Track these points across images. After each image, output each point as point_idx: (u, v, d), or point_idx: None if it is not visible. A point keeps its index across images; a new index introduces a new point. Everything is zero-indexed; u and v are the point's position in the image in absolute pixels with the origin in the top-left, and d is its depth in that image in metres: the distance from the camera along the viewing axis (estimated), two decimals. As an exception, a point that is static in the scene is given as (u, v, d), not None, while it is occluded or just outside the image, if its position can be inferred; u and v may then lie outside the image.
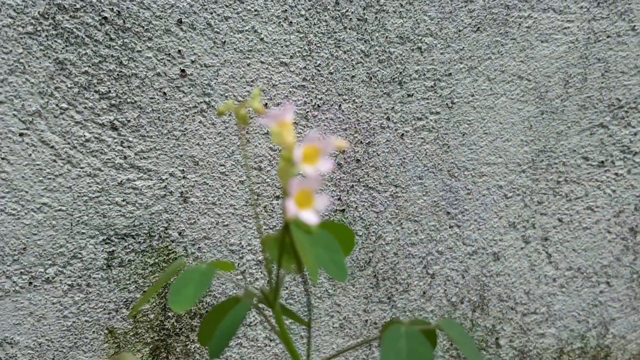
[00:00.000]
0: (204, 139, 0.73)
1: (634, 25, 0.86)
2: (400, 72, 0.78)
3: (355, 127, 0.78)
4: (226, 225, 0.75)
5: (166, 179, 0.72)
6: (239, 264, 0.77)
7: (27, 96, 0.66)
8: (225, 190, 0.75)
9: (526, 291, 0.90)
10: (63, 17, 0.66)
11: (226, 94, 0.72)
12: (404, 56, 0.78)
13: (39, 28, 0.65)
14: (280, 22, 0.73)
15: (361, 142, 0.78)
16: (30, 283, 0.70)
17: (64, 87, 0.67)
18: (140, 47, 0.68)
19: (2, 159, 0.67)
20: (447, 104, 0.81)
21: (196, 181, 0.73)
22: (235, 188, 0.75)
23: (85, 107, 0.68)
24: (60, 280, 0.71)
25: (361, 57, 0.76)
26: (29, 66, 0.66)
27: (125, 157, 0.70)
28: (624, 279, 0.94)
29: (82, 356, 0.73)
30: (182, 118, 0.71)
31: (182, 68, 0.70)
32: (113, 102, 0.69)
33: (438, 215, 0.84)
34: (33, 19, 0.65)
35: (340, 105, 0.77)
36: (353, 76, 0.77)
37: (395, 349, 0.36)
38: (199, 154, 0.73)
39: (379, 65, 0.77)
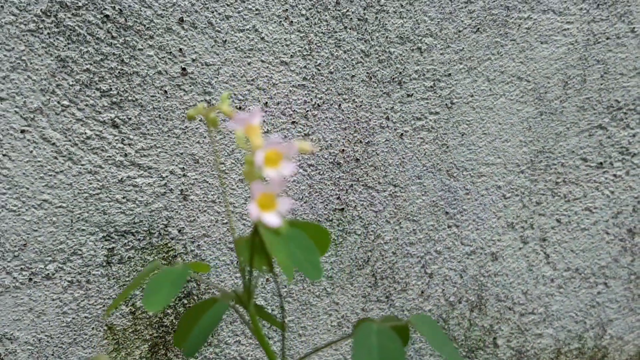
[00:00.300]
0: (204, 138, 0.73)
1: (634, 27, 0.87)
2: (400, 72, 0.79)
3: (354, 127, 0.78)
4: (225, 223, 0.76)
5: (166, 176, 0.73)
6: (237, 261, 0.77)
7: (28, 93, 0.67)
8: (224, 188, 0.75)
9: (524, 291, 0.90)
10: (65, 14, 0.66)
11: (229, 95, 0.73)
12: (403, 56, 0.78)
13: (41, 25, 0.66)
14: (281, 21, 0.73)
15: (360, 142, 0.79)
16: (30, 279, 0.71)
17: (66, 84, 0.67)
18: (142, 45, 0.69)
19: (4, 155, 0.67)
20: (446, 104, 0.81)
21: (196, 179, 0.74)
22: (235, 186, 0.75)
23: (86, 105, 0.68)
24: (60, 276, 0.71)
25: (361, 57, 0.77)
26: (30, 63, 0.66)
27: (125, 155, 0.71)
28: (622, 280, 0.95)
29: (82, 352, 0.74)
30: (183, 116, 0.72)
31: (183, 66, 0.71)
32: (114, 99, 0.69)
33: (437, 215, 0.84)
34: (35, 16, 0.65)
35: (340, 105, 0.77)
36: (353, 76, 0.77)
37: (367, 346, 0.37)
38: (199, 152, 0.73)
39: (378, 65, 0.78)
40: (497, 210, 0.87)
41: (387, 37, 0.77)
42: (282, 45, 0.74)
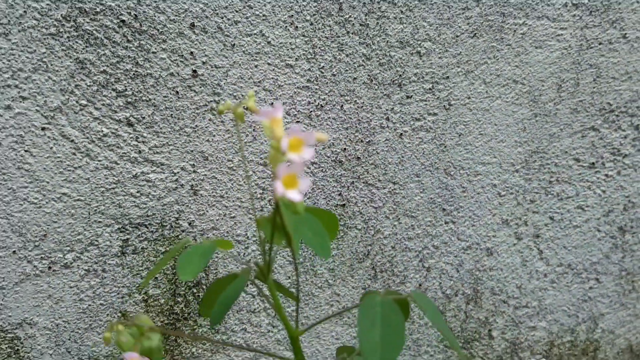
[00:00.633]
0: (214, 136, 0.77)
1: (625, 33, 0.90)
2: (400, 75, 0.83)
3: (356, 127, 0.82)
4: (233, 217, 0.80)
5: (177, 172, 0.77)
6: (244, 253, 0.81)
7: (49, 93, 0.71)
8: (232, 184, 0.79)
9: (518, 285, 0.94)
10: (84, 19, 0.70)
11: (235, 94, 0.77)
12: (403, 60, 0.82)
13: (62, 29, 0.70)
14: (286, 26, 0.77)
15: (361, 141, 0.83)
16: (50, 268, 0.75)
17: (84, 85, 0.72)
18: (155, 48, 0.73)
19: (26, 151, 0.71)
20: (444, 105, 0.85)
21: (205, 175, 0.78)
22: (242, 182, 0.80)
23: (103, 104, 0.73)
24: (78, 265, 0.76)
25: (363, 60, 0.81)
26: (51, 65, 0.71)
27: (139, 152, 0.75)
28: (613, 276, 0.99)
29: (96, 337, 0.78)
30: (193, 116, 0.76)
31: (193, 69, 0.75)
32: (129, 99, 0.74)
33: (434, 212, 0.88)
34: (56, 21, 0.70)
35: (342, 106, 0.81)
36: (355, 78, 0.81)
37: (371, 315, 0.41)
38: (208, 149, 0.77)
39: (379, 68, 0.82)
40: (493, 207, 0.91)
41: (387, 42, 0.81)
42: (288, 49, 0.78)
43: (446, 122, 0.86)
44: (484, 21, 0.84)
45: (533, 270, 0.94)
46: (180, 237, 0.79)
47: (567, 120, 0.91)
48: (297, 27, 0.78)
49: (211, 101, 0.76)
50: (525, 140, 0.89)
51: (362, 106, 0.82)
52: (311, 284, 0.85)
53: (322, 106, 0.81)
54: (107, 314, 0.78)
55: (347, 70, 0.81)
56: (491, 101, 0.87)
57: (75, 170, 0.74)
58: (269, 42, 0.77)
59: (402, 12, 0.81)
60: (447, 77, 0.84)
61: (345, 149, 0.83)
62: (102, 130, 0.73)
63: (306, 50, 0.79)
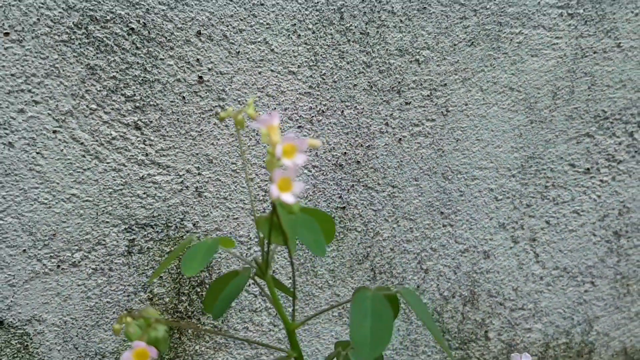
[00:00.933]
0: (218, 139, 0.80)
1: (619, 42, 0.93)
2: (399, 82, 0.85)
3: (356, 132, 0.85)
4: (236, 218, 0.83)
5: (183, 174, 0.80)
6: (247, 254, 0.84)
7: (60, 97, 0.74)
8: (236, 187, 0.82)
9: (514, 288, 0.97)
10: (95, 27, 0.73)
11: (239, 99, 0.80)
12: (402, 67, 0.85)
13: (73, 37, 0.73)
14: (289, 34, 0.80)
15: (361, 146, 0.85)
16: (58, 266, 0.78)
17: (94, 90, 0.75)
18: (163, 55, 0.76)
19: (37, 153, 0.74)
20: (442, 112, 0.88)
21: (210, 177, 0.81)
22: (245, 185, 0.82)
23: (112, 109, 0.76)
24: (86, 264, 0.79)
25: (363, 68, 0.83)
26: (63, 70, 0.73)
27: (146, 154, 0.78)
28: (608, 280, 1.01)
29: (103, 334, 0.81)
30: (199, 120, 0.79)
31: (199, 75, 0.78)
32: (137, 104, 0.76)
33: (432, 215, 0.91)
34: (68, 28, 0.73)
35: (342, 111, 0.84)
36: (355, 85, 0.84)
37: (362, 309, 0.44)
38: (213, 152, 0.80)
39: (379, 75, 0.84)
40: (490, 211, 0.93)
41: (387, 50, 0.84)
42: (290, 57, 0.81)
43: (444, 127, 0.88)
44: (481, 30, 0.87)
45: (529, 273, 0.97)
46: (184, 237, 0.81)
47: (563, 127, 0.93)
48: (299, 35, 0.80)
49: (216, 106, 0.79)
50: (521, 146, 0.92)
51: (362, 112, 0.85)
52: (312, 285, 0.87)
53: (323, 112, 0.83)
54: (114, 312, 0.80)
55: (347, 77, 0.83)
56: (488, 108, 0.89)
57: (85, 172, 0.76)
58: (272, 50, 0.80)
59: (401, 21, 0.83)
60: (445, 84, 0.87)
61: (345, 153, 0.85)
62: (111, 134, 0.76)
63: (308, 58, 0.81)
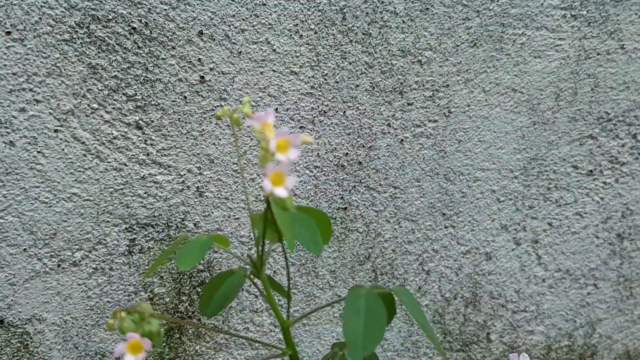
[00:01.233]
0: (219, 139, 0.80)
1: (623, 44, 0.92)
2: (401, 83, 0.85)
3: (358, 132, 0.85)
4: (237, 218, 0.83)
5: (184, 174, 0.80)
6: (248, 254, 0.84)
7: (62, 96, 0.74)
8: (237, 187, 0.82)
9: (516, 290, 0.96)
10: (96, 26, 0.73)
11: (241, 99, 0.80)
12: (405, 68, 0.85)
13: (75, 36, 0.73)
14: (291, 34, 0.80)
15: (363, 146, 0.85)
16: (59, 265, 0.78)
17: (96, 89, 0.75)
18: (165, 55, 0.76)
19: (38, 152, 0.74)
20: (444, 113, 0.87)
21: (211, 177, 0.81)
22: (246, 185, 0.82)
23: (113, 108, 0.76)
24: (86, 263, 0.78)
25: (365, 68, 0.83)
26: (64, 70, 0.73)
27: (148, 154, 0.78)
28: (611, 282, 1.00)
29: (103, 334, 0.81)
30: (200, 120, 0.79)
31: (201, 75, 0.78)
32: (139, 104, 0.76)
33: (434, 216, 0.90)
34: (70, 27, 0.73)
35: (344, 112, 0.84)
36: (357, 85, 0.83)
37: (356, 307, 0.44)
38: (214, 152, 0.80)
39: (381, 75, 0.84)
40: (492, 212, 0.93)
41: (389, 50, 0.84)
42: (292, 57, 0.80)
43: (446, 129, 0.88)
44: (484, 31, 0.86)
45: (531, 275, 0.96)
46: (185, 237, 0.81)
47: (565, 129, 0.93)
48: (301, 35, 0.80)
49: (218, 106, 0.79)
50: (524, 147, 0.92)
51: (364, 112, 0.84)
52: (313, 286, 0.87)
53: (325, 112, 0.83)
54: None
55: (349, 77, 0.83)
56: (490, 109, 0.89)
57: (86, 171, 0.76)
58: (274, 50, 0.80)
59: (403, 21, 0.83)
60: (448, 85, 0.87)
61: (347, 153, 0.85)
62: (112, 133, 0.76)
63: (310, 58, 0.81)
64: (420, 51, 0.85)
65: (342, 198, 0.86)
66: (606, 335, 1.02)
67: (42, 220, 0.76)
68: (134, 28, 0.74)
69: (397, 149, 0.87)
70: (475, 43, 0.87)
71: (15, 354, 0.78)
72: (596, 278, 0.99)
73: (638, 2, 0.92)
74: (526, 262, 0.96)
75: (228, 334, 0.49)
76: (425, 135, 0.87)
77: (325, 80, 0.82)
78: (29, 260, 0.76)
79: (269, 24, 0.79)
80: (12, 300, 0.77)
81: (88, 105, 0.75)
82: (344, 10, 0.81)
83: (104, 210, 0.78)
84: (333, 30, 0.81)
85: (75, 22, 0.73)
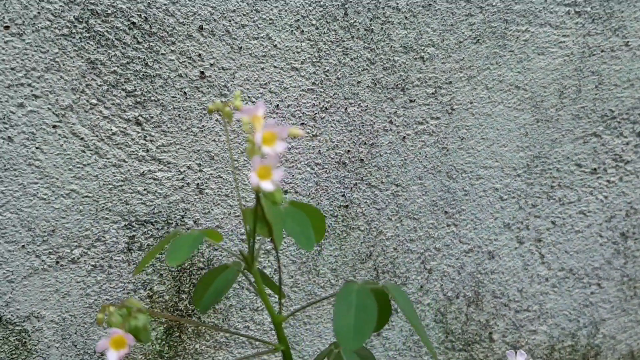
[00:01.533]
0: (220, 136, 0.79)
1: (627, 41, 0.91)
2: (404, 79, 0.84)
3: (359, 129, 0.84)
4: (238, 216, 0.82)
5: (184, 171, 0.79)
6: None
7: (60, 92, 0.73)
8: (237, 184, 0.81)
9: (519, 289, 0.95)
10: (95, 21, 0.73)
11: (241, 95, 0.79)
12: (407, 64, 0.84)
13: (74, 30, 0.72)
14: (292, 30, 0.79)
15: (365, 143, 0.84)
16: (57, 262, 0.77)
17: (95, 84, 0.74)
18: (165, 50, 0.75)
19: (37, 148, 0.74)
20: (447, 110, 0.87)
21: (211, 174, 0.80)
22: (247, 182, 0.81)
23: (113, 104, 0.75)
24: (85, 261, 0.78)
25: (367, 65, 0.82)
26: (63, 65, 0.73)
27: (147, 150, 0.77)
28: (615, 282, 0.99)
29: (102, 332, 0.80)
30: (200, 116, 0.78)
31: (201, 70, 0.77)
32: (138, 99, 0.76)
33: (436, 214, 0.90)
34: (68, 22, 0.72)
35: (346, 109, 0.83)
36: (359, 82, 0.83)
37: (347, 301, 0.43)
38: (214, 149, 0.79)
39: (383, 72, 0.83)
40: (494, 211, 0.92)
41: (391, 47, 0.83)
42: (293, 53, 0.80)
43: (449, 126, 0.87)
44: (487, 27, 0.86)
45: (534, 274, 0.95)
46: (185, 234, 0.80)
47: (569, 126, 0.92)
48: (303, 31, 0.79)
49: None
50: (527, 145, 0.91)
51: (365, 109, 0.84)
52: (314, 284, 0.86)
53: (326, 109, 0.82)
54: (113, 309, 0.80)
55: (351, 74, 0.82)
56: (493, 106, 0.88)
57: (84, 168, 0.76)
58: (275, 46, 0.79)
59: (406, 17, 0.82)
60: (450, 82, 0.86)
61: (349, 151, 0.84)
62: (111, 129, 0.75)
63: (311, 54, 0.80)
64: (422, 47, 0.84)
65: (343, 196, 0.85)
66: (610, 336, 1.01)
67: (41, 217, 0.75)
68: (133, 23, 0.74)
69: (399, 146, 0.86)
70: (478, 39, 0.86)
71: (14, 352, 0.78)
72: (600, 277, 0.99)
73: (643, -2, 0.91)
74: (529, 261, 0.95)
75: (227, 331, 0.48)
76: (428, 132, 0.87)
77: (327, 76, 0.81)
78: (27, 257, 0.76)
79: (270, 19, 0.78)
80: (10, 297, 0.76)
81: (87, 100, 0.74)
82: (346, 6, 0.80)
83: (103, 207, 0.77)
84: (335, 26, 0.80)
85: (74, 16, 0.72)
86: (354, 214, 0.86)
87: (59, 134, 0.74)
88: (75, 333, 0.79)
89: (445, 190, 0.89)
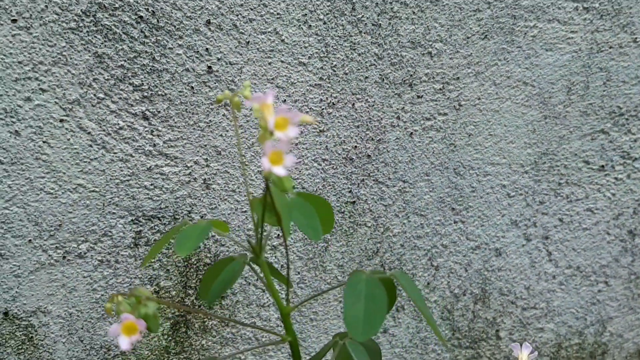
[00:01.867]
0: (227, 131, 0.79)
1: (636, 38, 0.91)
2: (411, 75, 0.84)
3: (367, 125, 0.84)
4: (245, 211, 0.82)
5: (191, 166, 0.79)
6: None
7: (68, 86, 0.73)
8: (244, 179, 0.81)
9: (526, 287, 0.95)
10: (103, 15, 0.72)
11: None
12: (414, 60, 0.84)
13: (81, 24, 0.72)
14: (300, 25, 0.79)
15: (372, 139, 0.84)
16: (64, 257, 0.77)
17: (102, 78, 0.74)
18: (172, 44, 0.75)
19: (44, 142, 0.73)
20: (454, 106, 0.86)
21: (218, 169, 0.80)
22: (254, 177, 0.81)
23: (120, 98, 0.75)
24: (92, 255, 0.78)
25: (374, 60, 0.82)
26: (70, 58, 0.73)
27: (154, 145, 0.77)
28: (622, 280, 0.99)
29: (109, 327, 0.80)
30: (208, 111, 0.78)
31: (209, 65, 0.77)
32: (145, 94, 0.75)
33: (443, 211, 0.89)
34: (76, 15, 0.72)
35: (353, 104, 0.83)
36: (366, 77, 0.82)
37: (357, 291, 0.43)
38: (221, 144, 0.79)
39: (391, 67, 0.83)
40: (502, 208, 0.91)
41: (399, 42, 0.83)
42: (301, 47, 0.79)
43: (456, 122, 0.87)
44: (495, 23, 0.85)
45: (542, 271, 0.95)
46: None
47: (577, 123, 0.91)
48: (310, 25, 0.79)
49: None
50: (534, 141, 0.90)
51: (373, 105, 0.83)
52: (320, 280, 0.86)
53: (334, 104, 0.82)
54: (120, 304, 0.79)
55: (359, 69, 0.82)
56: (501, 102, 0.88)
57: (91, 162, 0.75)
58: (282, 40, 0.79)
59: (414, 12, 0.82)
60: (458, 77, 0.86)
61: (356, 146, 0.84)
62: (119, 123, 0.75)
63: (319, 49, 0.80)
64: (430, 43, 0.84)
65: (350, 192, 0.85)
66: (617, 334, 1.01)
67: (48, 212, 0.75)
68: (140, 17, 0.73)
69: (406, 142, 0.86)
70: (486, 35, 0.85)
71: (20, 347, 0.77)
72: (607, 275, 0.98)
73: (651, -5, 0.91)
74: (536, 258, 0.94)
75: (235, 321, 0.48)
76: (435, 128, 0.86)
77: (334, 71, 0.81)
78: (33, 252, 0.76)
79: (278, 13, 0.78)
80: (16, 292, 0.76)
81: (94, 94, 0.74)
82: (354, 1, 0.80)
83: (109, 201, 0.77)
84: (342, 20, 0.80)
85: (81, 10, 0.72)
86: (360, 210, 0.86)
87: (66, 128, 0.74)
88: (82, 328, 0.79)
89: (453, 187, 0.89)
